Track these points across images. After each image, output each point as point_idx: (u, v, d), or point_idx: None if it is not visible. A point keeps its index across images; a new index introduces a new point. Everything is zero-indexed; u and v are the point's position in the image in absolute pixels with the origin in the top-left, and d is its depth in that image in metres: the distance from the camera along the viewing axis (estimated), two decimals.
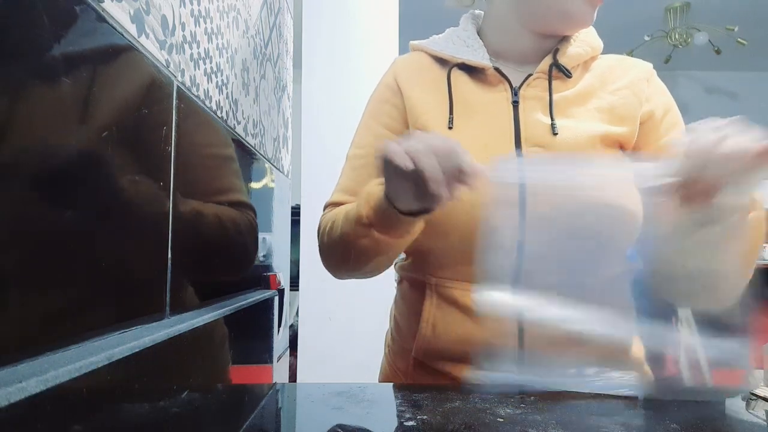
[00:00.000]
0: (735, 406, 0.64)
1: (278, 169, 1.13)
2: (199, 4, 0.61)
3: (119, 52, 0.41)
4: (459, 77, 0.76)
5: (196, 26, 0.60)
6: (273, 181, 1.06)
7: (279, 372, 1.08)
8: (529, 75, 0.74)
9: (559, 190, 0.64)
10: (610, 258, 0.72)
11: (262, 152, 0.96)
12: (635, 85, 0.75)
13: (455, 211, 0.66)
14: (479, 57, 0.76)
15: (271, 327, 0.96)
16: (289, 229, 1.31)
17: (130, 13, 0.43)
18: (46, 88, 0.32)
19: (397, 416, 0.56)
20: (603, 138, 0.70)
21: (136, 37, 0.44)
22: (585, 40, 0.78)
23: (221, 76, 0.70)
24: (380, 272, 0.76)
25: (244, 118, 0.83)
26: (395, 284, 0.90)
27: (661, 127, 0.74)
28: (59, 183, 0.33)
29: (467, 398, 0.63)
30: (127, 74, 0.43)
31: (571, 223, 0.65)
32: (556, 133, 0.70)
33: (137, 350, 0.38)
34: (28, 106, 0.30)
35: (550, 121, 0.71)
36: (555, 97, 0.73)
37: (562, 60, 0.75)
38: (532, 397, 0.63)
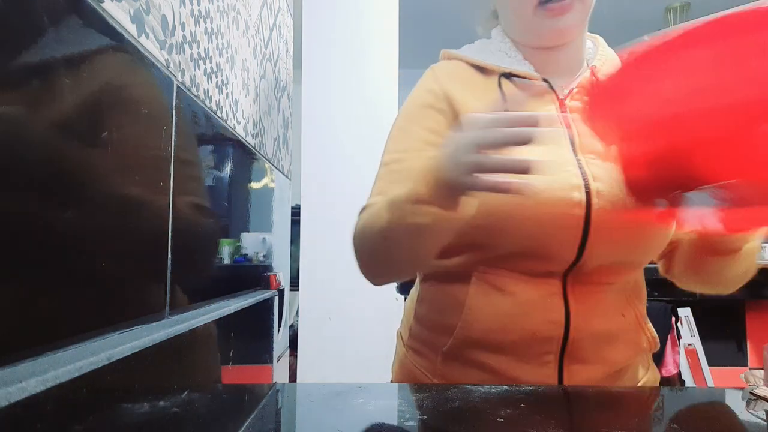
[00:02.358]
0: (735, 406, 0.64)
1: (278, 169, 1.13)
2: (199, 4, 0.61)
3: (119, 52, 0.41)
4: (506, 86, 0.78)
5: (196, 26, 0.60)
6: (273, 181, 1.06)
7: (279, 372, 1.08)
8: (572, 89, 0.78)
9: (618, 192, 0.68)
10: (651, 258, 0.77)
11: (262, 152, 0.96)
12: None
13: (520, 210, 0.68)
14: (526, 68, 0.79)
15: (271, 327, 0.96)
16: (289, 229, 1.31)
17: (130, 13, 0.43)
18: (46, 87, 0.32)
19: (397, 416, 0.57)
20: None
21: (136, 37, 0.44)
22: (614, 60, 0.82)
23: (221, 76, 0.70)
24: (420, 269, 0.77)
25: (244, 118, 0.83)
26: (417, 283, 0.88)
27: None
28: (59, 182, 0.33)
29: (467, 398, 0.63)
30: (127, 74, 0.43)
31: (631, 223, 0.70)
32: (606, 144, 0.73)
33: (137, 350, 0.38)
34: (27, 106, 0.30)
35: None
36: None
37: (598, 75, 0.78)
38: (532, 397, 0.63)
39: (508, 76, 0.79)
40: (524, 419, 0.55)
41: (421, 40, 3.92)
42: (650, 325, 0.78)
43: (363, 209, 0.78)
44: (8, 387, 0.25)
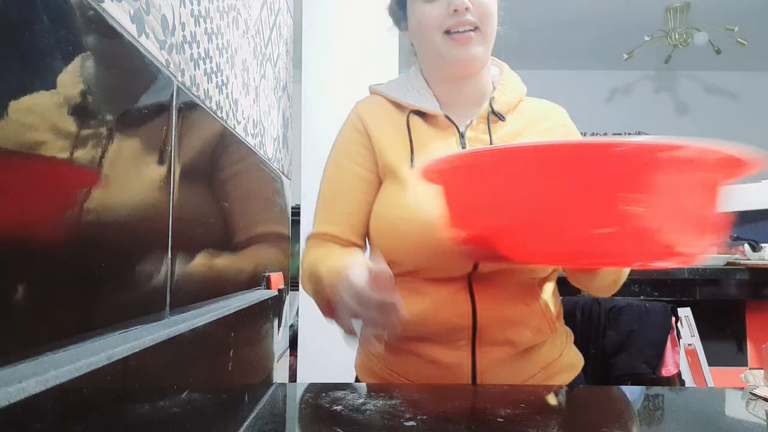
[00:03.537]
0: (735, 406, 0.64)
1: (278, 169, 1.13)
2: (199, 4, 0.61)
3: (119, 52, 0.41)
4: (415, 121, 0.89)
5: (196, 26, 0.60)
6: (273, 180, 1.06)
7: (279, 372, 1.08)
8: (471, 121, 0.89)
9: None
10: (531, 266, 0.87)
11: (262, 152, 0.96)
12: (556, 128, 0.92)
13: (414, 238, 0.79)
14: (431, 105, 0.89)
15: (271, 327, 0.96)
16: (289, 229, 1.31)
17: (130, 13, 0.43)
18: (46, 87, 0.32)
19: (397, 416, 0.57)
20: None
21: (136, 37, 0.44)
22: (514, 88, 0.93)
23: (221, 76, 0.70)
24: None
25: (244, 118, 0.83)
26: None
27: None
28: (59, 182, 0.33)
29: (467, 398, 0.63)
30: (126, 74, 0.43)
31: None
32: None
33: (137, 350, 0.38)
34: (27, 106, 0.30)
35: None
36: (493, 137, 0.87)
37: (497, 107, 0.89)
38: (532, 397, 0.63)
39: (417, 112, 0.89)
40: (524, 419, 0.55)
41: None
42: (551, 312, 0.87)
43: (310, 237, 0.92)
44: (8, 387, 0.25)
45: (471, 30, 0.83)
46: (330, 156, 0.96)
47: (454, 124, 0.89)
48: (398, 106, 0.92)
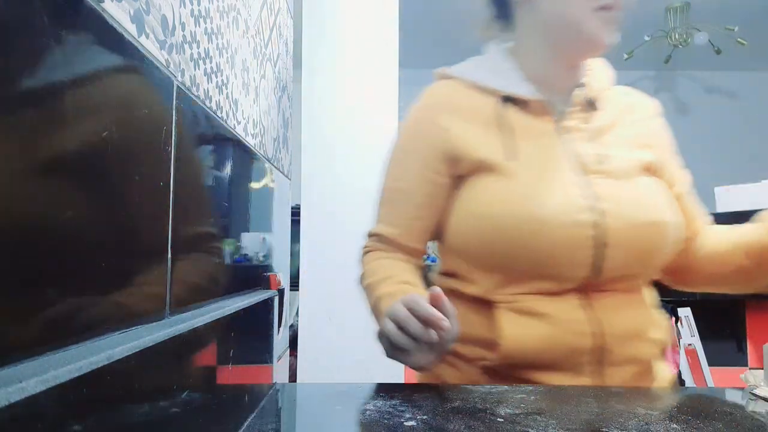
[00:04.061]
0: (735, 406, 0.64)
1: (278, 169, 1.13)
2: (199, 4, 0.61)
3: (119, 52, 0.41)
4: (504, 108, 0.79)
5: (196, 26, 0.60)
6: (273, 181, 1.06)
7: (279, 372, 1.08)
8: (566, 109, 0.80)
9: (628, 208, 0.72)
10: (659, 269, 0.80)
11: (262, 152, 0.96)
12: (649, 120, 0.85)
13: (531, 236, 0.71)
14: (525, 90, 0.79)
15: (271, 327, 0.96)
16: (289, 229, 1.31)
17: (130, 13, 0.43)
18: (46, 87, 0.32)
19: (397, 416, 0.57)
20: (644, 162, 0.78)
21: (136, 37, 0.44)
22: (603, 74, 0.85)
23: (221, 76, 0.70)
24: None
25: (244, 118, 0.83)
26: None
27: (665, 162, 0.83)
28: (59, 182, 0.33)
29: (467, 398, 0.63)
30: (126, 74, 0.43)
31: (642, 238, 0.72)
32: (609, 162, 0.76)
33: (137, 350, 0.38)
34: (27, 106, 0.30)
35: (595, 151, 0.77)
36: (589, 127, 0.79)
37: (591, 94, 0.81)
38: (532, 397, 0.63)
39: (507, 98, 0.79)
40: (524, 419, 0.55)
41: (421, 40, 3.92)
42: (662, 317, 0.79)
43: (371, 235, 0.86)
44: (8, 387, 0.25)
45: (617, 10, 0.74)
46: (395, 149, 0.86)
47: (552, 110, 0.79)
48: (483, 90, 0.81)
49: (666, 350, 0.82)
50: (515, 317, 0.74)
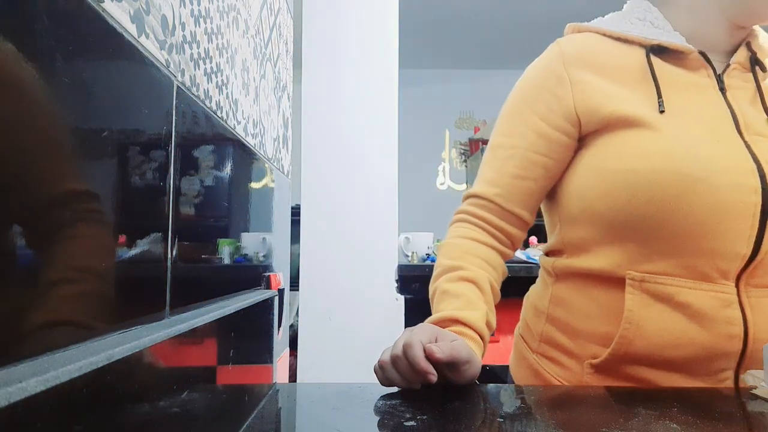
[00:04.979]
0: (735, 405, 0.64)
1: (278, 169, 1.13)
2: (199, 4, 0.61)
3: (119, 52, 0.41)
4: (654, 61, 0.70)
5: (196, 26, 0.60)
6: (273, 181, 1.06)
7: (279, 372, 1.08)
8: (728, 65, 0.71)
9: None
10: None
11: (262, 152, 0.96)
12: None
13: (688, 197, 0.60)
14: (677, 39, 0.70)
15: (271, 327, 0.96)
16: (289, 229, 1.31)
17: (130, 13, 0.43)
18: (46, 87, 0.32)
19: (397, 416, 0.56)
20: None
21: (136, 37, 0.44)
22: (765, 35, 0.76)
23: (221, 76, 0.70)
24: None
25: (244, 118, 0.83)
26: (543, 279, 0.81)
27: None
28: (59, 182, 0.33)
29: (467, 398, 0.63)
30: (126, 74, 0.43)
31: None
32: None
33: (137, 350, 0.38)
34: (27, 106, 0.30)
35: (762, 113, 0.68)
36: (755, 88, 0.70)
37: (759, 54, 0.72)
38: (532, 397, 0.63)
39: (657, 49, 0.70)
40: (524, 419, 0.55)
41: (421, 40, 3.92)
42: None
43: (469, 196, 0.78)
44: (8, 387, 0.25)
45: None
46: (508, 105, 0.77)
47: (711, 65, 0.70)
48: (627, 41, 0.72)
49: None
50: (648, 301, 0.64)
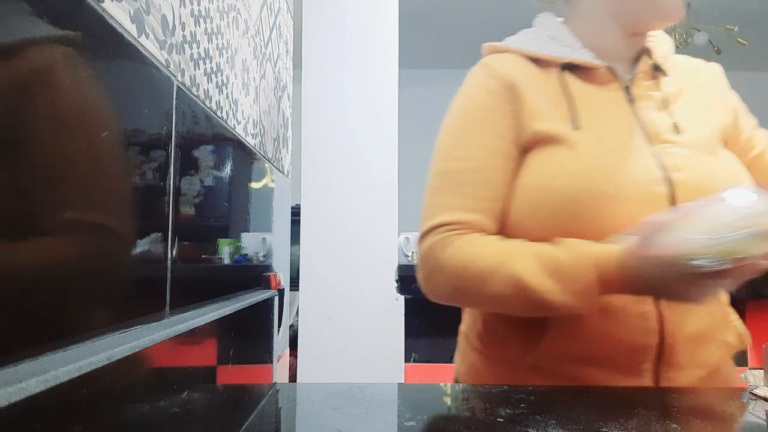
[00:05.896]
0: (735, 406, 0.64)
1: (278, 169, 1.13)
2: (199, 4, 0.61)
3: (119, 52, 0.41)
4: (567, 78, 0.74)
5: (196, 26, 0.60)
6: (273, 181, 1.06)
7: (279, 372, 1.08)
8: (634, 75, 0.75)
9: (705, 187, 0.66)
10: None
11: (262, 152, 0.96)
12: (713, 83, 0.80)
13: (600, 211, 0.64)
14: (586, 56, 0.74)
15: (271, 327, 0.96)
16: (289, 229, 1.31)
17: (130, 13, 0.43)
18: (45, 87, 0.32)
19: (397, 416, 0.57)
20: (720, 128, 0.73)
21: (136, 37, 0.44)
22: (664, 39, 0.80)
23: (221, 76, 0.70)
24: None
25: (244, 118, 0.83)
26: None
27: (740, 123, 0.78)
28: (59, 183, 0.33)
29: (467, 398, 0.63)
30: (126, 74, 0.43)
31: None
32: (681, 131, 0.71)
33: (137, 350, 0.38)
34: (27, 106, 0.30)
35: (668, 119, 0.72)
36: (660, 94, 0.74)
37: (657, 60, 0.76)
38: (532, 397, 0.63)
39: (569, 66, 0.74)
40: (524, 419, 0.55)
41: (421, 40, 3.92)
42: (739, 320, 0.74)
43: (436, 227, 0.71)
44: (8, 387, 0.25)
45: None
46: (452, 126, 0.77)
47: (618, 77, 0.74)
48: (540, 62, 0.76)
49: (738, 355, 0.76)
50: None
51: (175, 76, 0.53)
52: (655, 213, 0.63)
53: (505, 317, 0.75)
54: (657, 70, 0.76)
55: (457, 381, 0.84)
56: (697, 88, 0.77)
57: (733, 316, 0.74)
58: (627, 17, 0.74)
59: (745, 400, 0.65)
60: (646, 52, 0.77)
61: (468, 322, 0.85)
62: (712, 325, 0.70)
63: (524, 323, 0.72)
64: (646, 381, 0.68)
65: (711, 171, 0.68)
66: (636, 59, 0.77)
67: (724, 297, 0.74)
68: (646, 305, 0.66)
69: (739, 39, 3.70)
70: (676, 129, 0.71)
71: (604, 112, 0.72)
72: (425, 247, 0.72)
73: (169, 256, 0.49)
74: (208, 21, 0.64)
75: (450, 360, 0.89)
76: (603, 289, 0.61)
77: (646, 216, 0.63)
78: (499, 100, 0.73)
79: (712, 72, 0.82)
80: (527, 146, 0.72)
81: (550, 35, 0.77)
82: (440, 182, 0.74)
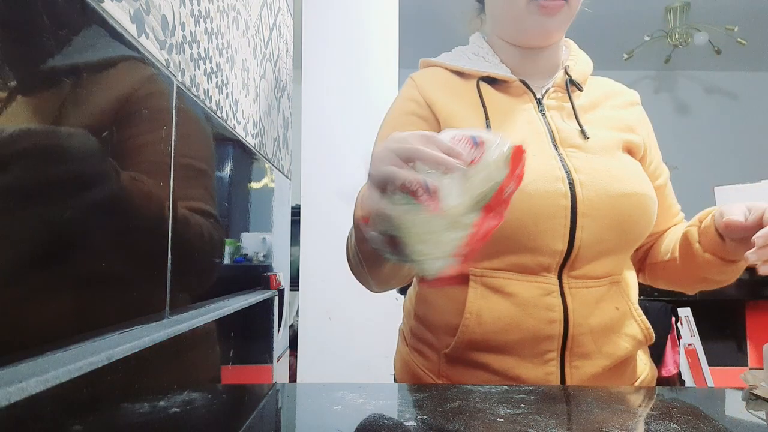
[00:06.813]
0: (735, 406, 0.64)
1: (278, 169, 1.13)
2: (199, 4, 0.61)
3: (119, 52, 0.41)
4: (485, 88, 0.82)
5: (196, 26, 0.60)
6: (273, 181, 1.06)
7: (279, 372, 1.08)
8: (549, 88, 0.83)
9: (601, 179, 0.74)
10: (637, 244, 0.80)
11: (262, 152, 0.96)
12: (631, 106, 0.88)
13: (511, 208, 0.63)
14: (502, 71, 0.82)
15: (271, 327, 0.96)
16: (289, 229, 1.31)
17: (130, 13, 0.43)
18: (46, 87, 0.32)
19: (397, 416, 0.57)
20: (624, 141, 0.80)
21: (136, 37, 0.44)
22: (585, 60, 0.89)
23: (221, 76, 0.70)
24: (388, 287, 0.81)
25: (244, 118, 0.83)
26: (414, 282, 0.89)
27: (649, 153, 0.85)
28: (59, 183, 0.33)
29: (467, 398, 0.63)
30: (127, 74, 0.43)
31: (615, 209, 0.73)
32: (587, 137, 0.78)
33: (137, 350, 0.38)
34: (27, 106, 0.30)
35: (578, 127, 0.79)
36: (571, 106, 0.81)
37: (573, 75, 0.84)
38: (532, 397, 0.63)
39: (486, 79, 0.83)
40: (524, 419, 0.55)
41: (421, 40, 3.92)
42: (643, 316, 0.79)
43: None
44: (8, 387, 0.25)
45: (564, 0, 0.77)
46: (380, 131, 0.86)
47: (531, 90, 0.82)
48: (462, 75, 0.85)
49: (643, 348, 0.82)
50: (484, 293, 0.74)
51: (175, 76, 0.53)
52: (555, 207, 0.71)
53: (432, 310, 0.81)
54: (573, 83, 0.84)
55: (395, 379, 0.89)
56: (612, 106, 0.85)
57: (639, 312, 0.79)
58: (508, 38, 0.84)
59: (745, 400, 0.65)
60: (564, 68, 0.85)
61: (403, 318, 0.91)
62: (616, 319, 0.75)
63: (443, 314, 0.77)
64: (553, 369, 0.72)
65: (608, 171, 0.75)
66: (552, 74, 0.85)
67: (632, 296, 0.80)
68: (553, 297, 0.72)
69: (739, 39, 3.71)
70: (583, 135, 0.78)
71: (517, 118, 0.80)
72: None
73: (169, 256, 0.49)
74: (208, 21, 0.64)
75: None
76: (364, 211, 0.63)
77: (551, 210, 0.70)
78: (415, 106, 0.83)
79: (630, 96, 0.90)
80: None
81: (475, 52, 0.87)
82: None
